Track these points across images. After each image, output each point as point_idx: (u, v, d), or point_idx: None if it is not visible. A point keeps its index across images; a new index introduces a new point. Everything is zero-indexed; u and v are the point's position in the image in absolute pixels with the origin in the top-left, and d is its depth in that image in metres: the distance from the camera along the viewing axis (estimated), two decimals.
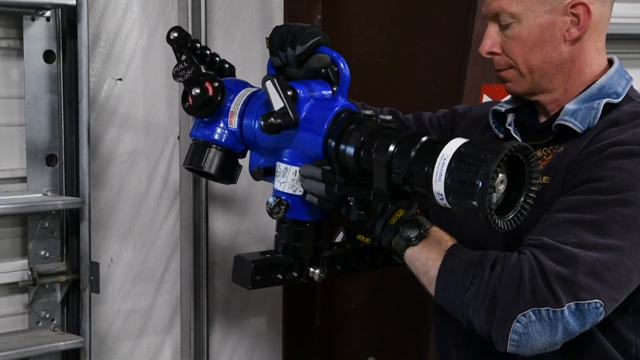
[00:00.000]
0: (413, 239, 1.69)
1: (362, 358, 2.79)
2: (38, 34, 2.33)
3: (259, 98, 1.82)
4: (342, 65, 1.75)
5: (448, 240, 1.70)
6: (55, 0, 2.26)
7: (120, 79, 2.47)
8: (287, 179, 1.75)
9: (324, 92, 1.77)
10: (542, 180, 1.73)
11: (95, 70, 2.41)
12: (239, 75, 1.97)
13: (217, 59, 1.90)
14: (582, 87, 1.84)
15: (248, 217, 2.74)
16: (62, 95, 2.37)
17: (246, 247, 2.68)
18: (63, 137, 2.39)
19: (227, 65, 1.92)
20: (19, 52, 2.32)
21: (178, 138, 2.59)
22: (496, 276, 1.59)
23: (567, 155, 1.77)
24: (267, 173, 1.82)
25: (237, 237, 2.73)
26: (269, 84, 1.70)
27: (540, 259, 1.58)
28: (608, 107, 1.79)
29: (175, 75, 1.84)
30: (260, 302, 2.82)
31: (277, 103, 1.69)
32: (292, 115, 1.69)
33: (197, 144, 1.86)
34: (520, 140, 1.86)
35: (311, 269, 1.77)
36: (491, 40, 1.85)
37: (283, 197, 1.76)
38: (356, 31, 2.69)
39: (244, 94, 1.84)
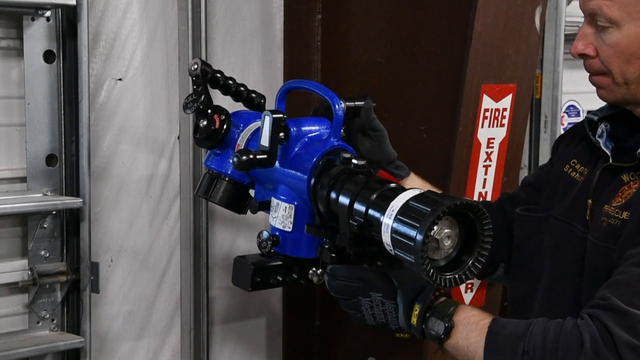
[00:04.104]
0: (442, 336, 1.57)
1: (362, 358, 2.79)
2: (38, 34, 2.32)
3: None
4: (337, 106, 1.74)
5: (482, 318, 1.57)
6: (55, 0, 2.26)
7: (120, 79, 2.47)
8: (278, 214, 1.76)
9: (321, 131, 1.78)
10: (622, 216, 1.61)
11: (95, 70, 2.41)
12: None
13: (243, 89, 1.90)
14: None
15: (248, 218, 2.73)
16: (62, 95, 2.37)
17: (246, 248, 2.68)
18: (63, 137, 2.38)
19: (254, 95, 1.90)
20: (19, 52, 2.32)
21: (178, 138, 2.59)
22: (551, 348, 1.46)
23: None
24: (264, 207, 1.82)
25: (237, 238, 2.73)
26: (266, 119, 1.71)
27: (608, 326, 1.44)
28: None
29: (185, 107, 1.87)
30: (260, 302, 2.82)
31: (265, 140, 1.71)
32: (268, 157, 1.70)
33: (209, 174, 1.90)
34: (610, 155, 1.72)
35: (311, 271, 1.77)
36: (584, 41, 1.68)
37: (276, 233, 1.76)
38: (356, 31, 2.68)
39: (252, 127, 1.86)
